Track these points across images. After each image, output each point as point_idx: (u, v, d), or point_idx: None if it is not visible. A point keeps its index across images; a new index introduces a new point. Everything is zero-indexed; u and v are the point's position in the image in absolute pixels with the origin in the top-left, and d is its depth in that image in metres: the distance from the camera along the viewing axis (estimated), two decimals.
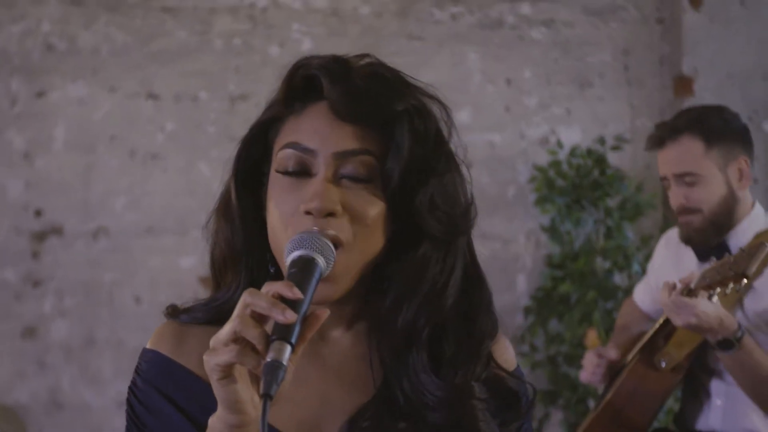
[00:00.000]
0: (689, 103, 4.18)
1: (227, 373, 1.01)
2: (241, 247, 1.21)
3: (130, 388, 1.22)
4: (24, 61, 4.21)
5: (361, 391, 1.19)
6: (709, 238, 2.51)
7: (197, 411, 1.16)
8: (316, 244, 1.08)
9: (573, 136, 4.32)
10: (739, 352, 2.22)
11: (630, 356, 2.60)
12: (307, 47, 4.28)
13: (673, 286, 2.22)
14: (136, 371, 1.23)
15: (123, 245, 4.25)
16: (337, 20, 4.35)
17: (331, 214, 1.12)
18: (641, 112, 4.34)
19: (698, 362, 2.41)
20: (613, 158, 4.14)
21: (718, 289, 2.18)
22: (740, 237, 2.49)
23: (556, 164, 4.08)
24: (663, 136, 2.54)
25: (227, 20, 4.31)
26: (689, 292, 2.20)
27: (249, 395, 1.02)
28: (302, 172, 1.15)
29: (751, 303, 2.43)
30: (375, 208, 1.15)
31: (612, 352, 2.63)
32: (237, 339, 1.01)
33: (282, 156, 1.16)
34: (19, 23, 4.21)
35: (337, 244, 1.11)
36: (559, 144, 4.17)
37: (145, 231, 4.27)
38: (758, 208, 2.54)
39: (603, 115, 4.36)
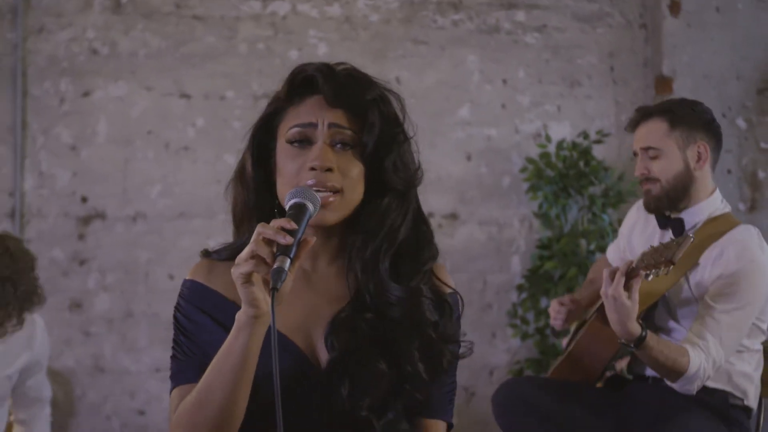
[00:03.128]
0: None
1: (247, 279, 1.41)
2: (253, 205, 1.61)
3: (175, 307, 1.63)
4: (71, 65, 4.39)
5: (340, 304, 1.60)
6: (663, 206, 2.78)
7: (222, 318, 1.56)
8: (307, 194, 1.49)
9: (563, 130, 4.51)
10: (641, 350, 2.50)
11: (589, 314, 2.91)
12: (322, 51, 4.47)
13: (612, 274, 2.47)
14: (180, 295, 1.63)
15: (158, 228, 4.42)
16: (350, 26, 4.51)
17: (329, 170, 1.52)
18: (625, 108, 4.48)
19: (646, 322, 2.66)
20: (598, 151, 4.35)
21: (654, 270, 2.43)
22: (696, 215, 2.76)
23: (545, 156, 4.32)
24: (638, 118, 2.85)
25: (251, 27, 4.48)
26: (632, 270, 2.45)
27: (262, 295, 1.42)
28: (305, 141, 1.55)
29: (695, 277, 2.70)
30: (356, 168, 1.55)
31: (566, 299, 2.96)
32: (254, 256, 1.40)
33: (291, 133, 1.56)
34: (67, 31, 4.39)
35: (334, 190, 1.52)
36: (547, 138, 4.38)
37: (177, 215, 4.44)
38: (717, 195, 2.80)
39: (591, 111, 4.55)
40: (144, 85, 4.44)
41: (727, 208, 2.82)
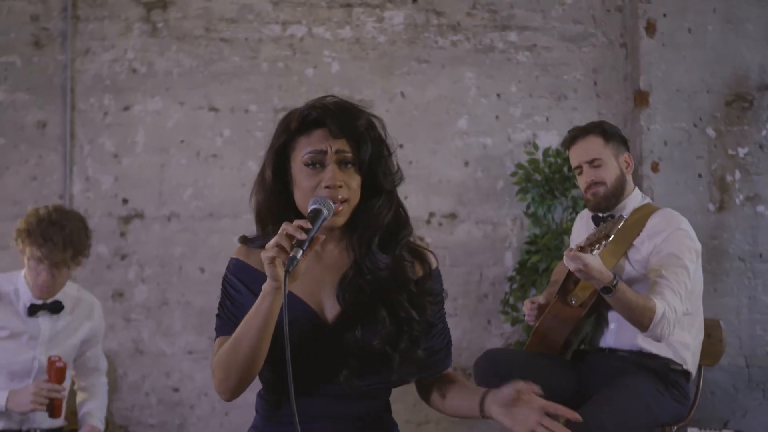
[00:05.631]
0: (646, 113, 4.73)
1: (272, 261, 1.85)
2: (274, 208, 2.06)
3: (223, 278, 2.08)
4: (113, 82, 4.68)
5: (344, 274, 2.06)
6: (608, 204, 3.29)
7: (255, 287, 2.00)
8: (323, 202, 1.93)
9: (551, 139, 4.83)
10: (616, 294, 2.93)
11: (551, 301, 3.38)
12: (335, 69, 4.79)
13: (574, 257, 2.89)
14: (227, 269, 2.09)
15: (190, 227, 4.70)
16: (359, 47, 4.82)
17: (339, 186, 1.97)
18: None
19: (602, 300, 3.13)
20: None
21: (597, 246, 2.90)
22: (623, 210, 3.29)
23: (533, 162, 4.69)
24: (575, 135, 3.36)
25: (272, 48, 4.77)
26: (581, 249, 2.91)
27: (282, 273, 1.85)
28: (318, 164, 1.99)
29: (633, 255, 3.19)
30: (355, 181, 2.01)
31: (541, 299, 3.40)
32: (278, 245, 1.84)
33: (306, 157, 1.99)
34: (110, 52, 4.70)
35: (343, 200, 1.97)
36: (535, 146, 4.74)
37: (207, 215, 4.70)
38: (637, 191, 3.34)
39: (576, 122, 4.65)
40: (177, 100, 4.72)
41: (647, 200, 3.33)
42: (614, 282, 2.94)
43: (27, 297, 3.34)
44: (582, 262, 2.89)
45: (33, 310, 3.36)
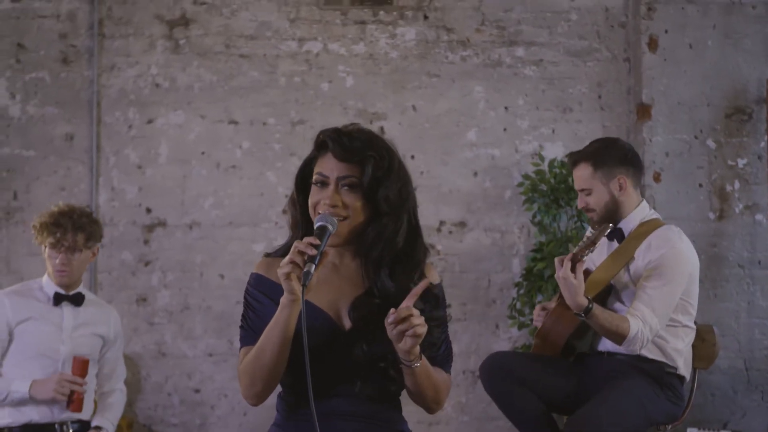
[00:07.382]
0: (648, 125, 4.85)
1: (288, 276, 2.02)
2: (300, 220, 2.25)
3: (245, 291, 2.25)
4: (137, 96, 4.84)
5: (359, 289, 2.22)
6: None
7: (275, 297, 2.14)
8: (328, 219, 2.10)
9: (557, 150, 4.96)
10: (588, 320, 3.12)
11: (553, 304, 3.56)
12: (349, 83, 4.94)
13: (561, 261, 3.08)
14: (248, 283, 2.25)
15: (210, 234, 4.85)
16: (373, 62, 4.97)
17: (335, 206, 2.14)
18: (611, 131, 4.91)
19: (601, 305, 3.26)
20: None
21: (587, 251, 3.09)
22: (629, 223, 3.42)
23: (540, 173, 4.83)
24: (570, 163, 3.50)
25: (289, 63, 4.93)
26: (574, 256, 3.08)
27: (298, 287, 2.02)
28: (324, 184, 2.17)
29: (632, 267, 3.34)
30: (357, 202, 2.16)
31: (551, 304, 3.54)
32: (292, 261, 2.01)
33: (314, 178, 2.18)
34: (134, 68, 4.86)
35: (342, 218, 2.13)
36: (541, 157, 4.87)
37: (227, 224, 4.84)
38: (644, 205, 3.45)
39: (581, 134, 4.96)
40: (198, 113, 4.87)
41: (655, 215, 3.45)
42: (590, 306, 3.10)
43: (51, 288, 3.65)
44: (566, 284, 3.07)
45: (57, 300, 3.62)
